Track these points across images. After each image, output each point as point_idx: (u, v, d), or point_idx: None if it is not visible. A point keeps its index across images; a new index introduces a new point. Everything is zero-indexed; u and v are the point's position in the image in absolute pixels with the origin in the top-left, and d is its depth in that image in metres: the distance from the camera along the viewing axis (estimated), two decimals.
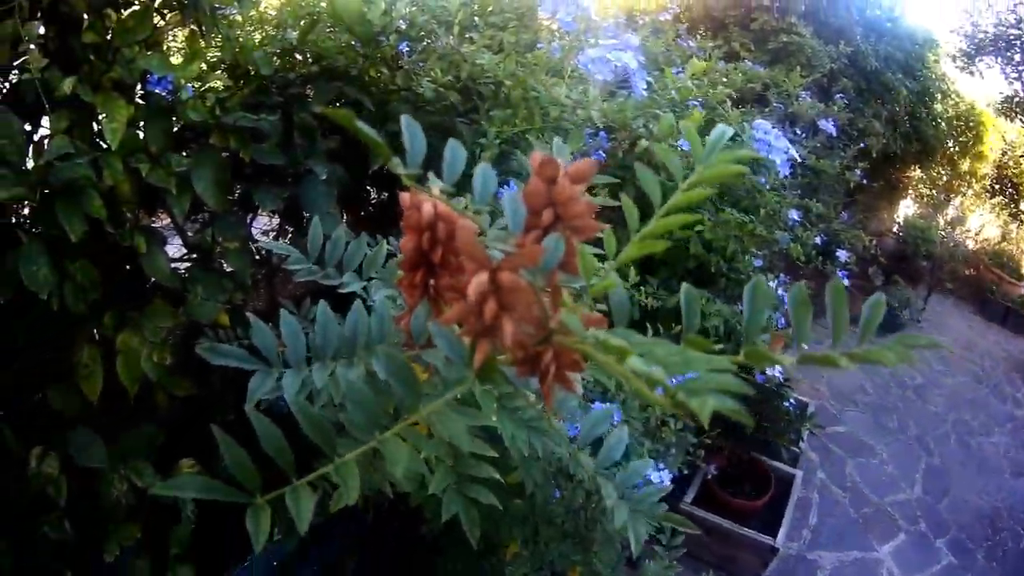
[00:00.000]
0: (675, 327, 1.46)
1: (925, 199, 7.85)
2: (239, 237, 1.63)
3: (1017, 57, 6.68)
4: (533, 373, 0.53)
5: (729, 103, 2.16)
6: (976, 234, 8.00)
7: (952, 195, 8.02)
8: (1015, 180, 7.99)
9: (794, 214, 2.34)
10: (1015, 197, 8.03)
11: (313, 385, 0.74)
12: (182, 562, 1.55)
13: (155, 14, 1.54)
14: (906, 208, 7.96)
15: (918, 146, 5.88)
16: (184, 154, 1.57)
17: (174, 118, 1.55)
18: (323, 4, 1.95)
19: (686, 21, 3.29)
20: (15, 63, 1.37)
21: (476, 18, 2.09)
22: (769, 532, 2.86)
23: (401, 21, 1.93)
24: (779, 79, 2.74)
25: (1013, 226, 8.12)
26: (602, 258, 0.63)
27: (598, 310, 0.60)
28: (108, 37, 1.43)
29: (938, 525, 3.56)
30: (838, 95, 3.81)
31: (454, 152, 0.60)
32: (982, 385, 5.33)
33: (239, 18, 1.95)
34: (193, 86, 1.63)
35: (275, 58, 1.89)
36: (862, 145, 4.27)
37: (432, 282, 0.57)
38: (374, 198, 2.26)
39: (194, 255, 1.70)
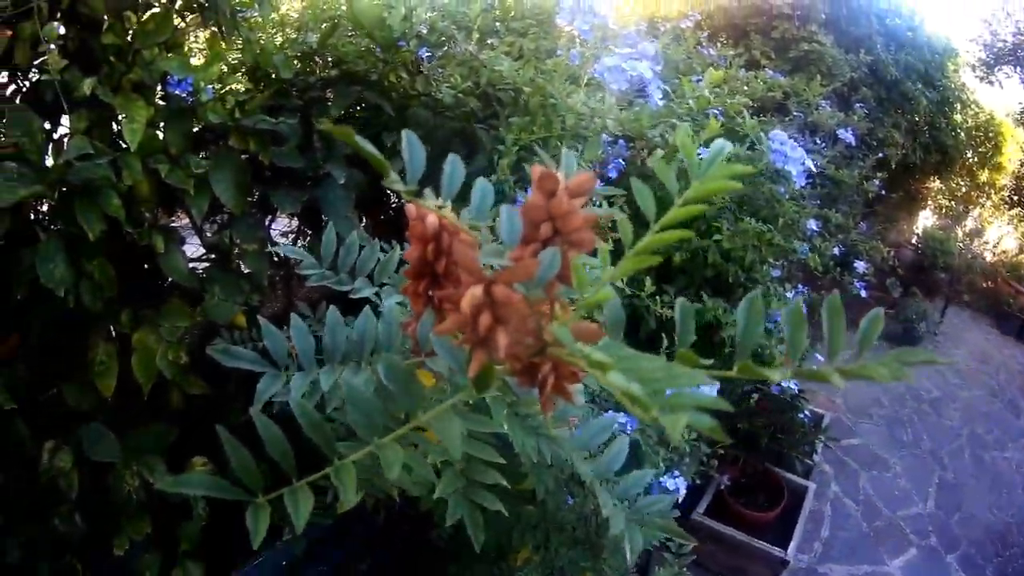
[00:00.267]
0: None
1: (944, 210, 7.78)
2: (257, 239, 1.64)
3: None
4: (532, 383, 0.54)
5: (747, 112, 2.15)
6: (994, 246, 7.93)
7: (971, 206, 7.95)
8: None
9: (813, 224, 2.33)
10: None
11: (320, 388, 0.76)
12: (191, 558, 1.56)
13: (175, 16, 1.55)
14: (925, 219, 7.90)
15: (937, 157, 5.84)
16: (204, 156, 1.58)
17: (194, 120, 1.56)
18: (343, 8, 1.95)
19: (707, 28, 3.28)
20: (35, 62, 1.38)
21: (498, 24, 2.09)
22: (780, 544, 2.84)
23: (422, 26, 1.94)
24: (799, 88, 2.73)
25: None
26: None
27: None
28: (129, 39, 1.44)
29: (949, 540, 3.53)
30: (858, 104, 3.79)
31: (453, 167, 0.61)
32: (997, 399, 5.28)
33: (260, 21, 1.96)
34: (213, 88, 1.64)
35: (295, 61, 1.90)
36: (881, 155, 4.24)
37: (430, 292, 0.58)
38: (394, 202, 2.27)
39: (212, 256, 1.71)
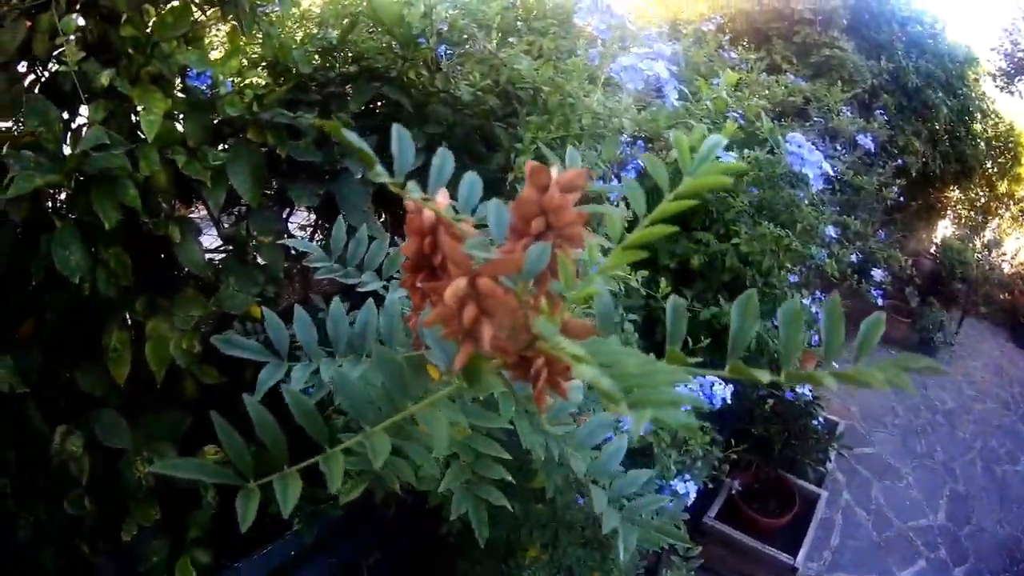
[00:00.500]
0: (704, 340, 1.45)
1: (963, 220, 7.71)
2: (273, 231, 1.64)
3: None
4: (526, 378, 0.54)
5: (765, 115, 2.14)
6: (1012, 258, 7.84)
7: (989, 217, 7.87)
8: None
9: (831, 230, 2.31)
10: None
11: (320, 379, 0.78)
12: (200, 546, 1.57)
13: (195, 10, 1.56)
14: (944, 229, 7.83)
15: (956, 166, 5.79)
16: (222, 148, 1.58)
17: (213, 113, 1.57)
18: (364, 5, 1.96)
19: (730, 32, 3.27)
20: (54, 53, 1.39)
21: (520, 23, 2.09)
22: (790, 551, 2.82)
23: (442, 24, 1.94)
24: (820, 93, 2.71)
25: None
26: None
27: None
28: (148, 31, 1.45)
29: (958, 553, 3.50)
30: (878, 111, 3.77)
31: (443, 160, 0.60)
32: (1011, 412, 5.22)
33: (281, 16, 1.97)
34: (232, 82, 1.64)
35: (315, 57, 1.91)
36: (900, 163, 4.21)
37: (420, 284, 0.58)
38: None
39: (229, 247, 1.71)
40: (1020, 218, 7.98)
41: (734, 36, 3.70)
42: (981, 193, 7.63)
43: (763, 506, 3.09)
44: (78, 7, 1.41)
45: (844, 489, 3.74)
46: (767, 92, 2.35)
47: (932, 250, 7.18)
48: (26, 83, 1.45)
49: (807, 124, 2.71)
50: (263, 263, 1.66)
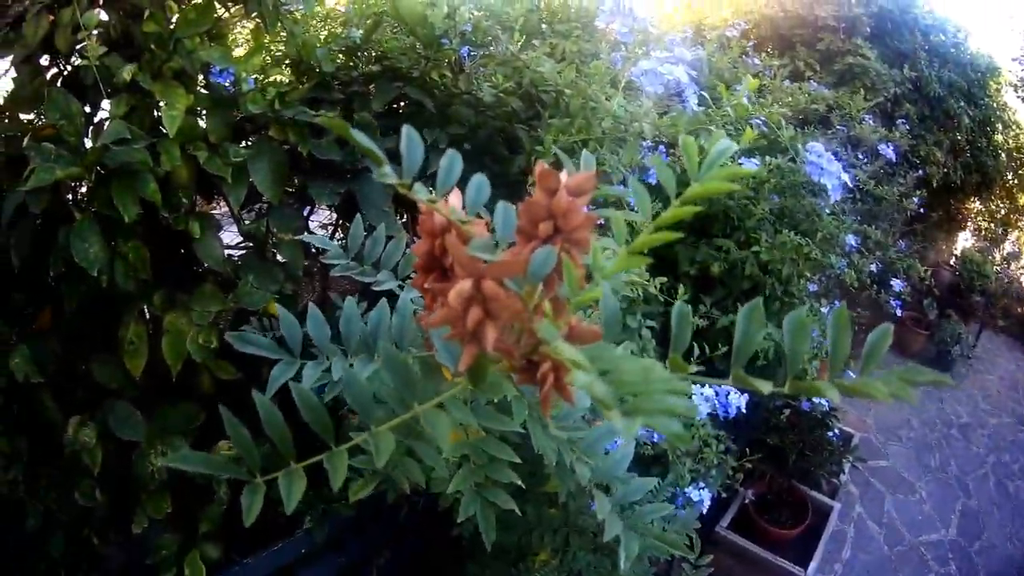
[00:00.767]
0: (722, 347, 1.44)
1: (983, 232, 7.63)
2: (293, 229, 1.64)
3: None
4: (532, 381, 0.54)
5: (788, 123, 2.12)
6: None
7: (1009, 229, 7.79)
8: None
9: (851, 240, 2.29)
10: None
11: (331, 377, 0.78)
12: (210, 540, 1.57)
13: (218, 7, 1.56)
14: (964, 240, 7.76)
15: (977, 177, 5.73)
16: (244, 145, 1.59)
17: (235, 110, 1.57)
18: (388, 5, 1.96)
19: (754, 38, 3.25)
20: (77, 48, 1.40)
21: (543, 25, 2.09)
22: (801, 563, 2.80)
23: (465, 25, 1.94)
24: (843, 101, 2.69)
25: None
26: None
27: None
28: (170, 27, 1.46)
29: (968, 569, 3.47)
30: (900, 120, 3.74)
31: (451, 161, 0.60)
32: None
33: (305, 15, 1.97)
34: (255, 79, 1.65)
35: (339, 56, 1.91)
36: (921, 173, 4.18)
37: (428, 286, 0.58)
38: None
39: (249, 244, 1.72)
40: None
41: (758, 42, 3.68)
42: (1001, 205, 7.55)
43: (775, 517, 3.06)
44: (101, 2, 1.42)
45: (857, 502, 3.71)
46: (790, 99, 2.34)
47: (951, 262, 7.11)
48: (48, 76, 1.46)
49: (829, 132, 2.69)
50: (283, 260, 1.66)
